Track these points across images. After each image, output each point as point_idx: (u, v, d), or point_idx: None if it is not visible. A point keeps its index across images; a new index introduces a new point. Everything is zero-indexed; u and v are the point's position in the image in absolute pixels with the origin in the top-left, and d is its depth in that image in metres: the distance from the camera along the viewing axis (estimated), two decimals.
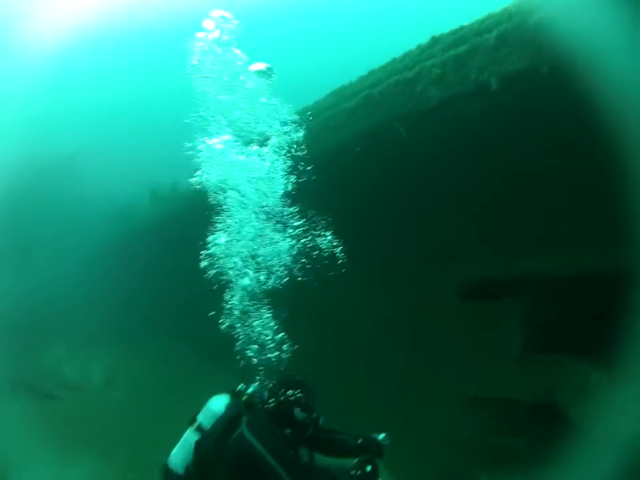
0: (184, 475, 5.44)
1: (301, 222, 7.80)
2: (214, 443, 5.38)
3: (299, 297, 8.22)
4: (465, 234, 8.52)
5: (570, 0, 6.22)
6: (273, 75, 7.95)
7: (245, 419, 5.36)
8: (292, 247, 7.83)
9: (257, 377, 6.18)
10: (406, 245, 9.12)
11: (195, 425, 5.60)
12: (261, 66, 8.00)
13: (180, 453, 5.57)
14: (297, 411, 5.43)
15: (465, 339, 8.99)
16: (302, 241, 7.82)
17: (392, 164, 8.07)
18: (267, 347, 7.22)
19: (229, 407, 5.61)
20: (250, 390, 5.74)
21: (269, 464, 5.02)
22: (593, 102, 6.25)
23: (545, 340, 8.50)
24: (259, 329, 7.45)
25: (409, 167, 8.02)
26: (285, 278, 7.85)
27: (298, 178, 7.87)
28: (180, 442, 5.63)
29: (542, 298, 8.54)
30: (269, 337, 7.35)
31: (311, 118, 8.45)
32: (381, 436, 5.60)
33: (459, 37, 7.10)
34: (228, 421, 5.46)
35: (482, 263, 8.66)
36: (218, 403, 5.66)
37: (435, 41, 7.46)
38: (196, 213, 7.47)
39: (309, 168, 7.84)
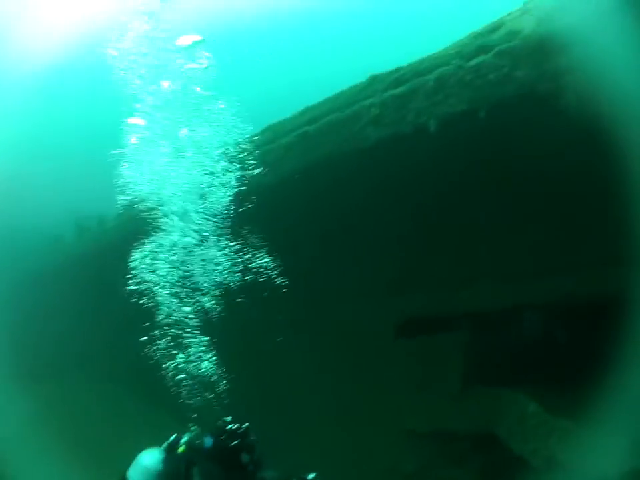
0: None
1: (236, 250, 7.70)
2: None
3: (233, 326, 8.05)
4: (401, 270, 8.51)
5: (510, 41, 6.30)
6: (204, 45, 7.65)
7: (196, 470, 5.18)
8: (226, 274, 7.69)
9: (190, 425, 5.81)
10: (343, 281, 9.01)
11: None
12: (191, 39, 7.65)
13: None
14: (243, 454, 5.28)
15: (404, 374, 8.98)
16: (236, 272, 7.68)
17: (327, 203, 7.95)
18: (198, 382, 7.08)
19: (166, 461, 5.27)
20: (184, 440, 5.45)
21: None
22: (531, 142, 6.38)
23: (483, 373, 8.60)
24: (188, 362, 7.27)
25: (344, 205, 7.92)
26: (219, 307, 7.70)
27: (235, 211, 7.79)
28: None
29: (477, 332, 8.66)
30: (200, 371, 7.19)
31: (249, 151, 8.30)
32: (311, 476, 5.46)
33: (398, 77, 7.08)
34: (171, 476, 5.18)
35: (418, 300, 8.69)
36: (150, 459, 5.28)
37: (373, 79, 7.41)
38: (124, 244, 7.14)
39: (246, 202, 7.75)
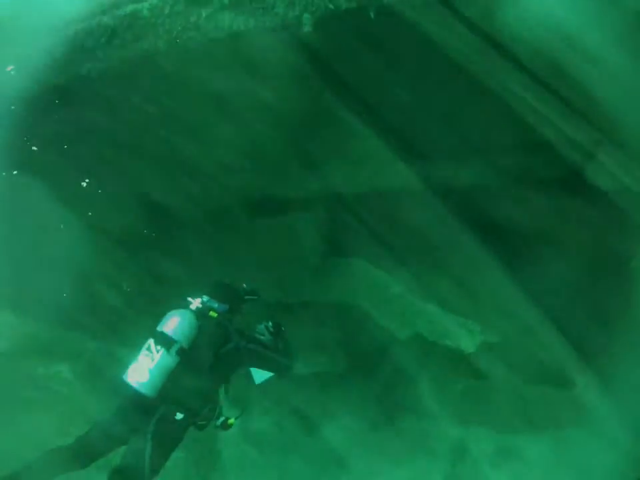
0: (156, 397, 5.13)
1: None
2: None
3: None
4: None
5: None
6: None
7: (234, 330, 5.63)
8: None
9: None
10: None
11: (175, 347, 5.19)
12: None
13: (157, 377, 5.11)
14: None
15: (264, 252, 8.45)
16: None
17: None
18: None
19: (202, 321, 5.50)
20: (205, 301, 5.72)
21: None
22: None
23: (344, 249, 8.35)
24: None
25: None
26: None
27: None
28: (155, 366, 5.11)
29: (332, 211, 8.16)
30: None
31: None
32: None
33: None
34: (214, 335, 5.48)
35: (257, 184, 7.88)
36: (186, 317, 5.44)
37: None
38: None
39: None
